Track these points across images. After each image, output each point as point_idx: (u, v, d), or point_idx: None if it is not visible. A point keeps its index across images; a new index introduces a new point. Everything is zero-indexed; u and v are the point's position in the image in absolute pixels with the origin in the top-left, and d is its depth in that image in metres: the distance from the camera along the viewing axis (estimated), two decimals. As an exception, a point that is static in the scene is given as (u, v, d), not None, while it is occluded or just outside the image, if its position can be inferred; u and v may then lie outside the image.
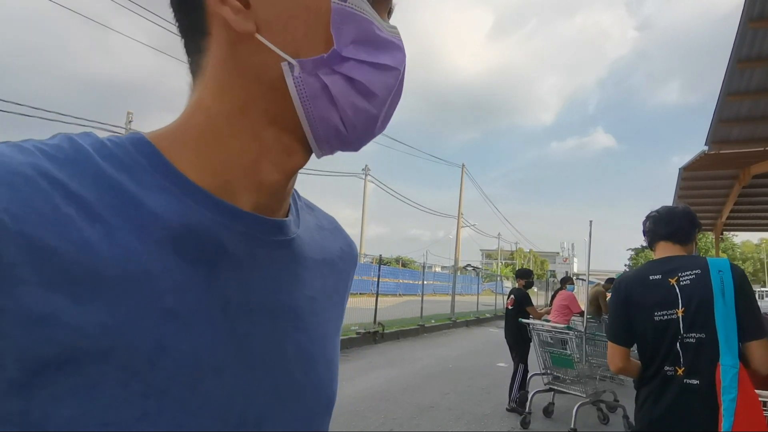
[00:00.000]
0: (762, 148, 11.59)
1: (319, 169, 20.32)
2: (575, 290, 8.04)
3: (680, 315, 1.66)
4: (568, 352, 4.61)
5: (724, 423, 1.47)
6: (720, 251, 26.01)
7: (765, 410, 1.95)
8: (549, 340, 4.93)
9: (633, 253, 56.29)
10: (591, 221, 4.57)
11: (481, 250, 72.35)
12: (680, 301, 1.67)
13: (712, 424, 1.51)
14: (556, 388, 4.85)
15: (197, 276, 0.39)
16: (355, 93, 0.42)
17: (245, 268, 0.42)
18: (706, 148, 11.85)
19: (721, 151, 11.93)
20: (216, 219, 0.41)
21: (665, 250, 1.86)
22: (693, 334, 1.62)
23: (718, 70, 9.02)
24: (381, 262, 11.17)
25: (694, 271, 1.69)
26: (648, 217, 1.95)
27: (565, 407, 4.83)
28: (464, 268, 26.34)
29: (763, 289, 36.90)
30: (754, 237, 54.30)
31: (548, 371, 5.00)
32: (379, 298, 10.36)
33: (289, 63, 0.40)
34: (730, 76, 8.99)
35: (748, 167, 13.15)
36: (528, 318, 5.29)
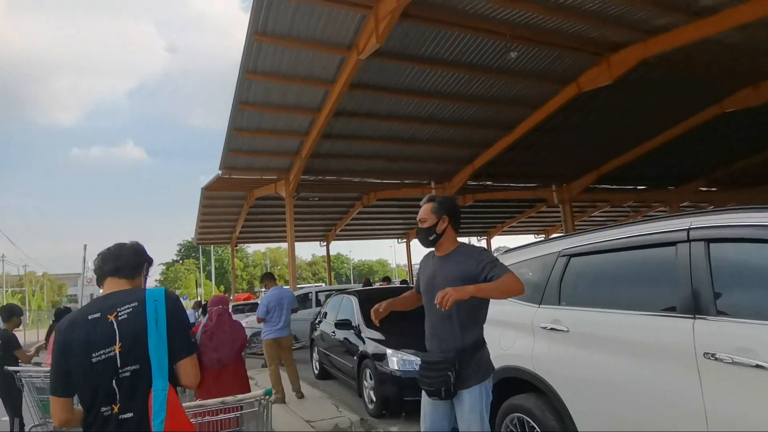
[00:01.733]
0: (259, 176, 14.34)
1: None
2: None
3: (117, 351, 1.62)
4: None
5: None
6: (236, 260, 30.37)
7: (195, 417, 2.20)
8: (42, 385, 4.08)
9: (164, 267, 57.63)
10: (85, 245, 4.22)
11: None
12: (117, 336, 1.63)
13: None
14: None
15: None
16: None
17: None
18: (220, 172, 13.51)
19: (233, 176, 13.93)
20: None
21: (111, 285, 1.81)
22: (129, 368, 1.61)
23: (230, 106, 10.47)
24: None
25: (131, 305, 1.68)
26: (98, 255, 1.87)
27: (54, 464, 4.08)
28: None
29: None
30: (261, 247, 67.08)
31: (44, 421, 4.13)
32: None
33: None
34: (235, 114, 10.55)
35: (252, 190, 15.96)
36: (17, 364, 4.25)
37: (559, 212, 18.91)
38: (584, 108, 12.10)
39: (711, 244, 2.15)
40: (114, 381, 1.60)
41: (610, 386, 2.43)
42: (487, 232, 27.87)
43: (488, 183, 17.22)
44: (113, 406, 1.59)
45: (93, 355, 1.60)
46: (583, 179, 17.29)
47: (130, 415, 1.59)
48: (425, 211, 2.53)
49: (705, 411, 1.98)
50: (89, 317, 1.66)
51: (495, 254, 2.88)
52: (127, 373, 1.60)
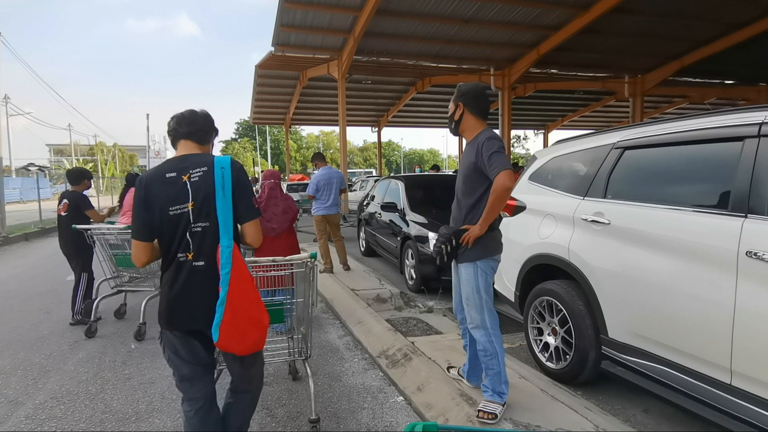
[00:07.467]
0: (312, 55, 13.94)
1: None
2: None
3: (190, 208, 1.82)
4: (129, 250, 4.47)
5: (222, 291, 1.75)
6: (290, 141, 30.99)
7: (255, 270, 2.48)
8: (115, 241, 4.61)
9: (223, 145, 59.97)
10: (148, 114, 4.35)
11: (47, 145, 58.25)
12: (190, 195, 1.82)
13: (214, 294, 1.77)
14: (125, 288, 4.70)
15: None
16: None
17: None
18: (273, 49, 13.21)
19: (285, 54, 13.62)
20: None
21: (184, 148, 1.96)
22: (200, 224, 1.82)
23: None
24: None
25: (201, 169, 1.85)
26: (172, 117, 2.00)
27: (138, 305, 4.77)
28: (26, 168, 21.13)
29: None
30: (315, 130, 67.48)
31: (117, 273, 4.76)
32: None
33: None
34: (286, -17, 10.02)
35: (305, 70, 15.66)
36: (89, 222, 4.75)
37: (628, 107, 17.51)
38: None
39: (781, 141, 1.98)
40: (188, 233, 1.82)
41: (644, 277, 2.47)
42: (546, 125, 26.53)
43: (553, 71, 15.94)
44: (188, 253, 1.82)
45: (170, 208, 1.81)
46: (661, 70, 15.59)
47: (202, 263, 1.82)
48: (451, 101, 2.69)
49: (735, 308, 2.00)
50: (167, 175, 1.84)
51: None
52: (199, 228, 1.81)
